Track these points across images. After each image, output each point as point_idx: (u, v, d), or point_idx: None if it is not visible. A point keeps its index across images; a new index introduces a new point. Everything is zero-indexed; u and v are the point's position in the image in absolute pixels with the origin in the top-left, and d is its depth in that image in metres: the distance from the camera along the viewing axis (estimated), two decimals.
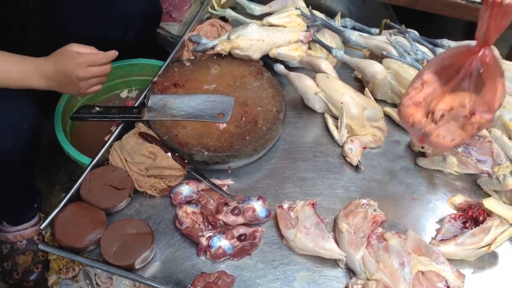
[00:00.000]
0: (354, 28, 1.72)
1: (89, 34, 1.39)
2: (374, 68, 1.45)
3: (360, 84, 1.60)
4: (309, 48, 1.65)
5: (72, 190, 1.23)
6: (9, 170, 1.38)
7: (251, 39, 1.46)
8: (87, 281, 1.40)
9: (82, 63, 1.24)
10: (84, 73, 1.25)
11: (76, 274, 1.46)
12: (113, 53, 1.29)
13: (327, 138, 1.45)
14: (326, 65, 1.47)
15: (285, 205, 1.22)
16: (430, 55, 1.53)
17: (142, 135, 1.31)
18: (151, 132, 1.34)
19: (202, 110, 1.36)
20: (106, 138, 1.61)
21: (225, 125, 1.35)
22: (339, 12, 1.69)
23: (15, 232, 1.64)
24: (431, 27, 1.80)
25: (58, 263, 1.54)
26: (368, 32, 1.70)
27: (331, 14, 1.72)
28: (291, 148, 1.42)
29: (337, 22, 1.67)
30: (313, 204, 1.22)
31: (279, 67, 1.53)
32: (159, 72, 1.50)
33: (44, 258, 1.64)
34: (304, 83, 1.43)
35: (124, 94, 1.79)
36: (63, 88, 1.30)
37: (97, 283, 1.41)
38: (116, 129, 1.36)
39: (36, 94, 1.28)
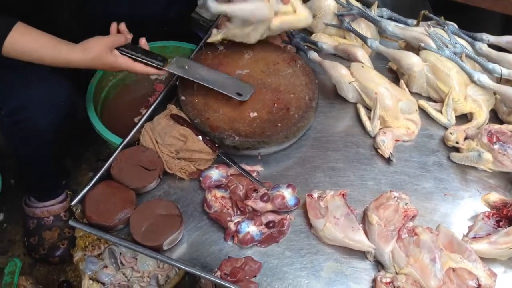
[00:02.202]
0: (390, 19, 1.70)
1: (127, 13, 1.39)
2: (411, 59, 1.42)
3: (395, 75, 1.58)
4: (344, 37, 1.64)
5: (103, 169, 1.24)
6: (43, 146, 1.41)
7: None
8: (112, 260, 1.43)
9: (111, 49, 1.28)
10: (122, 63, 1.29)
11: (101, 252, 1.49)
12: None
13: (358, 129, 1.43)
14: (362, 54, 1.45)
15: (315, 194, 1.21)
16: (469, 48, 1.50)
17: (174, 117, 1.32)
18: (182, 115, 1.34)
19: (222, 84, 1.35)
20: (136, 120, 1.65)
21: (256, 112, 1.34)
22: (376, 1, 1.66)
23: (42, 208, 1.67)
24: (466, 19, 1.76)
25: (84, 241, 1.57)
26: (405, 23, 1.67)
27: (366, 3, 1.70)
28: (322, 137, 1.41)
29: (373, 11, 1.64)
30: (343, 195, 1.21)
31: (313, 55, 1.52)
32: (192, 55, 1.49)
33: (71, 234, 1.67)
34: (339, 71, 1.41)
35: (153, 76, 1.80)
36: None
37: (121, 262, 1.44)
38: (148, 110, 1.36)
39: (71, 73, 1.29)
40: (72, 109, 1.38)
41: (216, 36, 1.41)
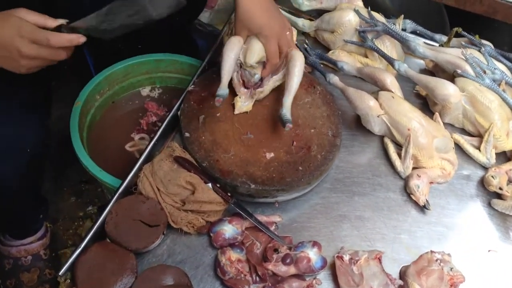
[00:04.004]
0: (414, 32, 1.55)
1: None
2: (447, 90, 1.27)
3: (422, 101, 1.44)
4: (365, 55, 1.47)
5: (96, 225, 1.07)
6: (9, 193, 1.22)
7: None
8: None
9: (27, 36, 0.95)
10: (29, 49, 0.96)
11: None
12: (71, 38, 0.99)
13: (386, 168, 1.29)
14: (392, 82, 1.29)
15: (346, 257, 1.07)
16: (508, 74, 1.36)
17: (178, 160, 1.14)
18: (187, 156, 1.17)
19: None
20: (127, 147, 1.47)
21: (273, 153, 1.18)
22: (402, 15, 1.49)
23: (19, 246, 1.50)
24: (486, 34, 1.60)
25: (68, 284, 1.40)
26: (432, 38, 1.52)
27: (383, 11, 1.53)
28: (346, 178, 1.26)
29: (398, 26, 1.48)
30: (379, 259, 1.06)
31: (334, 78, 1.35)
32: (194, 79, 1.31)
33: (52, 276, 1.50)
34: (367, 103, 1.26)
35: (145, 91, 1.61)
36: (3, 63, 0.99)
37: None
38: (145, 150, 1.18)
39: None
40: (42, 152, 1.20)
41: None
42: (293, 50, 1.22)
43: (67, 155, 1.62)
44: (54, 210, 1.69)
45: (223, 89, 1.15)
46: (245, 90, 1.24)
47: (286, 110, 1.16)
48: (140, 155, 1.19)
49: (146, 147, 1.19)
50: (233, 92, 1.25)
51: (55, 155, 1.60)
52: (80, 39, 1.00)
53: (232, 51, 1.18)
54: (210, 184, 1.12)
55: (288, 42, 1.23)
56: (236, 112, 1.23)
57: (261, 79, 1.25)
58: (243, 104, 1.24)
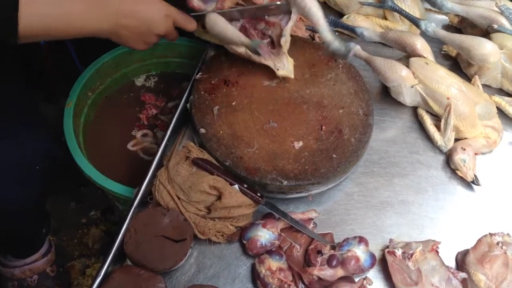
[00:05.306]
0: None
1: None
2: (485, 49, 1.16)
3: (452, 62, 1.32)
4: (384, 17, 1.34)
5: (115, 248, 0.96)
6: (16, 215, 1.11)
7: None
8: None
9: (172, 17, 1.03)
10: (169, 31, 1.04)
11: None
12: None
13: (424, 142, 1.19)
14: (423, 46, 1.18)
15: (398, 252, 0.97)
16: None
17: (197, 162, 1.02)
18: (206, 155, 1.05)
19: None
20: (129, 146, 1.35)
21: (301, 141, 1.06)
22: None
23: (23, 266, 1.39)
24: None
25: None
26: None
27: None
28: (381, 159, 1.16)
29: None
30: (436, 250, 0.97)
31: (355, 48, 1.22)
32: (200, 65, 1.18)
33: None
34: (399, 73, 1.14)
35: (140, 81, 1.48)
36: (126, 38, 0.99)
37: None
38: (156, 155, 1.06)
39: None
40: (53, 165, 1.08)
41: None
42: None
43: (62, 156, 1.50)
44: (55, 219, 1.57)
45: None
46: (270, 58, 1.13)
47: (333, 41, 1.06)
48: (152, 159, 1.07)
49: (157, 151, 1.07)
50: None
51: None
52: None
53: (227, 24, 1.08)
54: (236, 186, 1.01)
55: None
56: (293, 75, 1.14)
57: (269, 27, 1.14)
58: (287, 65, 1.13)
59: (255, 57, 1.12)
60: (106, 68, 1.36)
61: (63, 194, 1.65)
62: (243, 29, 1.13)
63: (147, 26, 0.98)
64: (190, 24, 1.08)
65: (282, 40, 1.12)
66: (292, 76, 1.13)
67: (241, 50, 1.12)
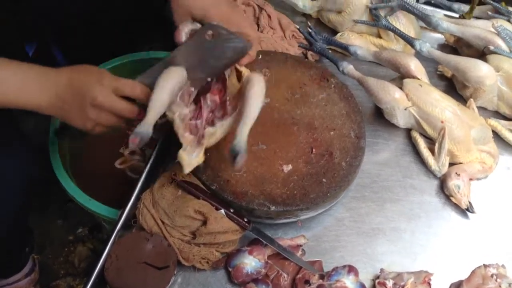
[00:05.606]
0: (429, 3, 1.40)
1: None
2: (481, 71, 1.14)
3: (447, 83, 1.30)
4: (378, 35, 1.32)
5: (94, 274, 0.93)
6: None
7: None
8: None
9: (108, 84, 0.88)
10: (105, 98, 0.88)
11: None
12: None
13: (417, 166, 1.16)
14: (417, 67, 1.15)
15: (389, 283, 0.94)
16: None
17: (182, 185, 1.00)
18: (193, 179, 1.02)
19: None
20: (116, 164, 1.32)
21: (290, 164, 1.04)
22: None
23: (5, 286, 1.34)
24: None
25: None
26: (450, 9, 1.39)
27: None
28: (373, 183, 1.13)
29: None
30: (428, 282, 0.94)
31: (348, 67, 1.21)
32: None
33: None
34: (392, 95, 1.12)
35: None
36: (67, 112, 0.90)
37: None
38: (141, 176, 1.03)
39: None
40: (32, 183, 1.05)
41: None
42: (250, 74, 0.97)
43: (47, 172, 1.47)
44: (40, 236, 1.53)
45: (145, 126, 0.85)
46: (191, 136, 0.93)
47: (240, 139, 0.86)
48: (137, 180, 1.04)
49: (141, 174, 1.04)
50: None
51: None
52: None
53: (170, 80, 0.90)
54: (223, 211, 0.98)
55: (238, 22, 1.00)
56: (187, 170, 0.90)
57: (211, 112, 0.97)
58: (191, 156, 0.91)
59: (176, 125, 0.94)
60: None
61: (49, 209, 1.61)
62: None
63: (81, 95, 0.87)
64: (133, 90, 0.91)
65: (208, 131, 0.93)
66: (185, 170, 0.90)
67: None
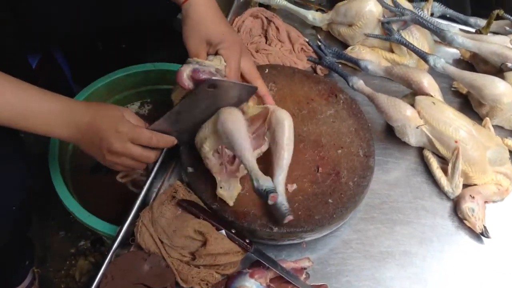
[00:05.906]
0: (444, 16, 1.36)
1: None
2: (498, 89, 1.09)
3: (462, 100, 1.26)
4: (390, 49, 1.28)
5: None
6: None
7: None
8: None
9: (124, 133, 0.91)
10: (120, 147, 0.92)
11: None
12: (170, 140, 0.99)
13: (430, 187, 1.12)
14: (430, 84, 1.11)
15: None
16: None
17: (183, 205, 0.96)
18: (193, 197, 0.99)
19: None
20: (118, 178, 1.29)
21: (295, 184, 1.00)
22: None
23: None
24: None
25: None
26: (466, 23, 1.34)
27: None
28: (382, 204, 1.09)
29: (427, 11, 1.29)
30: None
31: (358, 83, 1.17)
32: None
33: None
34: (403, 113, 1.07)
35: (133, 108, 1.43)
36: (88, 147, 0.95)
37: None
38: (141, 192, 1.00)
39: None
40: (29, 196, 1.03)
41: None
42: (276, 110, 0.96)
43: (49, 183, 1.45)
44: (41, 248, 1.51)
45: (266, 180, 0.88)
46: (224, 173, 0.96)
47: (282, 197, 0.90)
48: (136, 197, 1.01)
49: (141, 190, 1.01)
50: None
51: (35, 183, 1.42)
52: (174, 141, 1.00)
53: (239, 123, 0.92)
54: (223, 231, 0.95)
55: (250, 68, 1.05)
56: (231, 203, 0.95)
57: None
58: (229, 191, 0.96)
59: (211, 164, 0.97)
60: (98, 94, 1.31)
61: (52, 221, 1.59)
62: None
63: (99, 139, 0.91)
64: (149, 141, 0.95)
65: (242, 166, 0.96)
66: (230, 203, 0.96)
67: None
